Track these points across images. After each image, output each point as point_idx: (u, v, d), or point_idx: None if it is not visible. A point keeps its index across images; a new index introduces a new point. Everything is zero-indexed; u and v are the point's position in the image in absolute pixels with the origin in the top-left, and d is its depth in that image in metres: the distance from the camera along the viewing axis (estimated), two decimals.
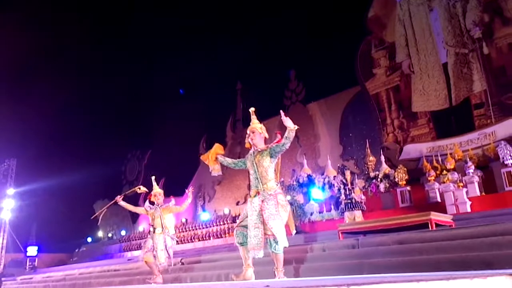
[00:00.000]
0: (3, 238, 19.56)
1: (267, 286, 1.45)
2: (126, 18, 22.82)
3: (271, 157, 4.38)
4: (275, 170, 4.45)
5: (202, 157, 4.87)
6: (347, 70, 16.18)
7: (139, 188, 6.91)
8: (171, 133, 22.37)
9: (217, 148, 4.86)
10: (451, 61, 13.34)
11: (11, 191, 20.21)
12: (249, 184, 4.58)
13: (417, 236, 5.98)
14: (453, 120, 13.03)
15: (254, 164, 4.42)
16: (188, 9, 21.92)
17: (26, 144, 21.78)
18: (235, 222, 17.32)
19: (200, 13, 21.70)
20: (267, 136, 4.62)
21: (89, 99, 23.51)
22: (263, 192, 4.28)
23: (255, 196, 4.32)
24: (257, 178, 4.37)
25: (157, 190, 6.81)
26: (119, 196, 6.68)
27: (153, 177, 6.97)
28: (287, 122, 4.20)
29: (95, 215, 6.92)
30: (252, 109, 4.78)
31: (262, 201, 4.23)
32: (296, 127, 4.22)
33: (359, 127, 16.22)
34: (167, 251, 6.54)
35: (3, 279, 13.28)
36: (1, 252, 19.34)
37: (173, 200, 6.98)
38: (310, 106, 18.58)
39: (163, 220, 6.61)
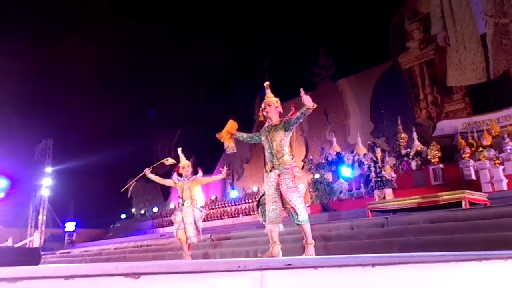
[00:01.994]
0: (42, 214, 20.56)
1: (289, 264, 1.41)
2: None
3: (285, 130, 4.35)
4: (290, 144, 4.41)
5: (217, 135, 4.86)
6: (378, 44, 15.62)
7: (167, 160, 6.86)
8: (200, 112, 22.53)
9: (231, 125, 4.83)
10: (490, 32, 12.64)
11: (48, 169, 21.10)
12: (264, 159, 4.55)
13: (450, 215, 5.82)
14: (490, 95, 12.44)
15: (269, 139, 4.40)
16: None
17: (62, 124, 22.51)
18: None
19: None
20: (281, 110, 4.57)
21: (122, 82, 23.91)
22: (278, 166, 4.28)
23: (270, 170, 4.33)
24: (272, 153, 4.36)
25: (184, 162, 6.76)
26: (147, 169, 6.66)
27: (179, 149, 6.90)
28: (307, 100, 4.12)
29: (124, 188, 6.93)
30: (266, 83, 4.71)
31: (279, 175, 4.25)
32: (315, 105, 4.12)
33: (390, 103, 15.74)
34: (195, 224, 6.53)
35: (43, 253, 13.98)
36: (41, 227, 20.36)
37: (200, 172, 6.87)
38: (340, 83, 18.17)
39: (192, 192, 6.58)
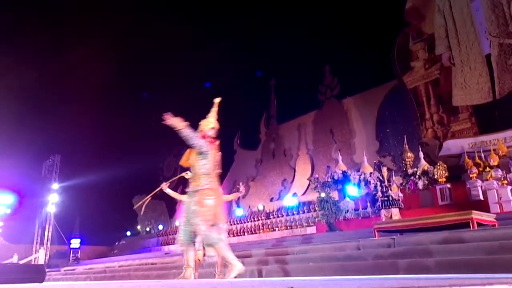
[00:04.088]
0: (48, 231, 20.56)
1: (291, 287, 1.43)
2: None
3: (199, 154, 4.48)
4: (213, 166, 4.53)
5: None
6: (383, 63, 15.74)
7: (187, 174, 6.38)
8: None
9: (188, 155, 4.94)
10: (494, 53, 12.70)
11: (55, 186, 21.18)
12: None
13: (457, 236, 5.77)
14: (497, 115, 12.40)
15: (192, 163, 4.63)
16: (219, 9, 22.06)
17: (69, 141, 22.71)
18: (269, 218, 17.35)
19: (223, 9, 21.78)
20: (208, 134, 4.69)
21: (128, 99, 24.21)
22: (193, 188, 4.48)
23: (190, 193, 4.55)
24: (193, 177, 4.57)
25: None
26: (164, 183, 6.23)
27: None
28: (173, 123, 4.29)
29: (137, 205, 6.52)
30: (216, 100, 4.90)
31: (193, 198, 4.43)
32: (182, 125, 4.28)
33: (396, 122, 15.77)
34: None
35: (48, 270, 13.93)
36: (47, 243, 20.34)
37: (220, 189, 6.63)
38: (345, 102, 18.25)
39: (219, 209, 6.25)
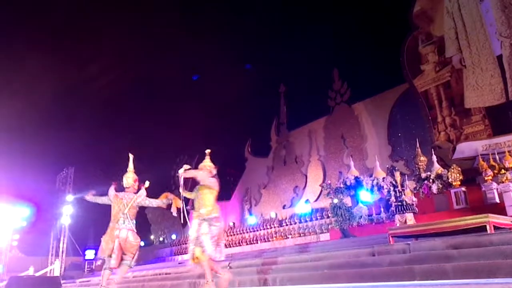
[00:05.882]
0: (63, 242, 20.74)
1: None
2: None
3: None
4: (116, 211, 6.28)
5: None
6: (393, 67, 15.68)
7: (184, 168, 5.86)
8: (217, 137, 22.75)
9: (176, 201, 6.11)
10: (506, 53, 12.54)
11: (70, 197, 21.39)
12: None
13: (474, 240, 5.67)
14: (510, 116, 12.22)
15: None
16: (232, 15, 22.25)
17: (83, 153, 22.99)
18: (282, 226, 17.28)
19: (244, 19, 21.93)
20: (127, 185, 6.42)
21: (141, 111, 24.50)
22: None
23: None
24: None
25: (205, 163, 5.80)
26: (181, 188, 5.91)
27: (207, 151, 6.00)
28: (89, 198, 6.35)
29: (183, 219, 6.00)
30: (130, 156, 6.44)
31: None
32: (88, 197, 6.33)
33: (408, 126, 15.65)
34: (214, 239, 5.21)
35: (63, 281, 14.01)
36: (62, 255, 20.51)
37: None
38: (356, 106, 18.18)
39: (202, 199, 5.48)
